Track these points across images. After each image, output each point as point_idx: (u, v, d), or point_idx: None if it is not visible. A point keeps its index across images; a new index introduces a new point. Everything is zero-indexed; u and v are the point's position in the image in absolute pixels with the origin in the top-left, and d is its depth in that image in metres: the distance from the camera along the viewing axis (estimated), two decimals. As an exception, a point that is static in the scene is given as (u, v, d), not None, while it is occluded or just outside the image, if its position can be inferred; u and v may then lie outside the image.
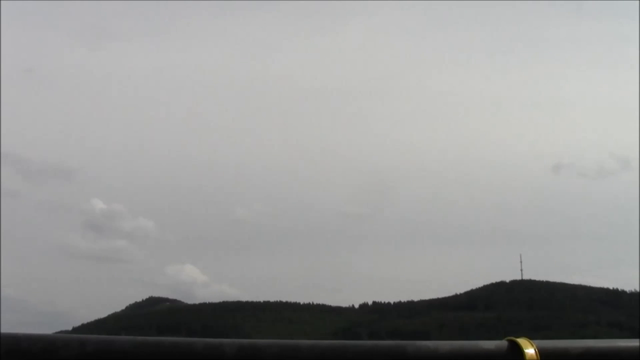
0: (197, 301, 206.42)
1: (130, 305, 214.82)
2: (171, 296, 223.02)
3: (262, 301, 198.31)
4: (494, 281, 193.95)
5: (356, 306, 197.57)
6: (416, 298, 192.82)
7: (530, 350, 2.30)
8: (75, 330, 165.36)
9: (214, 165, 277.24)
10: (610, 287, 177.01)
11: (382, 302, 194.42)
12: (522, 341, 2.33)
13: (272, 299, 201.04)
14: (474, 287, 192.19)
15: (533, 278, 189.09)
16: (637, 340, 2.49)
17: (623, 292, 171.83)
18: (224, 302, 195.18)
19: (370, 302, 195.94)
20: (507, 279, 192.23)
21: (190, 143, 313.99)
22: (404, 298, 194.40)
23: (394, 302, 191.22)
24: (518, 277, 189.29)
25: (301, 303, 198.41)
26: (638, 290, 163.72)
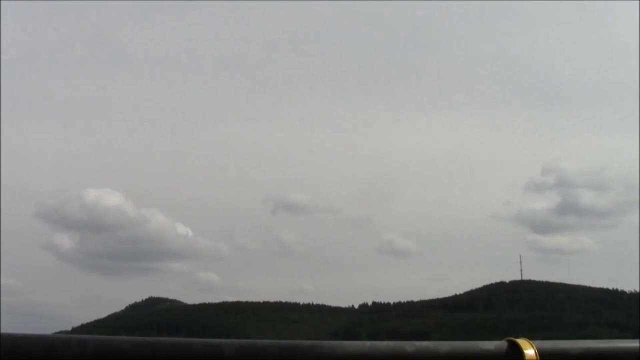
0: (197, 301, 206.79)
1: (130, 305, 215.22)
2: (171, 296, 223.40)
3: (262, 301, 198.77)
4: (493, 281, 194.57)
5: (356, 306, 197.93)
6: (416, 298, 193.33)
7: (529, 351, 2.30)
8: (75, 330, 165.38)
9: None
10: (610, 287, 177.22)
11: (382, 302, 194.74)
12: (522, 341, 2.33)
13: (272, 299, 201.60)
14: (473, 287, 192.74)
15: (533, 278, 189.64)
16: (637, 340, 2.49)
17: (623, 292, 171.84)
18: (223, 302, 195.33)
19: (370, 302, 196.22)
20: (507, 279, 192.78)
21: (187, 148, 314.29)
22: (403, 298, 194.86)
23: (394, 303, 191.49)
24: (518, 277, 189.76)
25: (301, 303, 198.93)
26: (638, 290, 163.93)
